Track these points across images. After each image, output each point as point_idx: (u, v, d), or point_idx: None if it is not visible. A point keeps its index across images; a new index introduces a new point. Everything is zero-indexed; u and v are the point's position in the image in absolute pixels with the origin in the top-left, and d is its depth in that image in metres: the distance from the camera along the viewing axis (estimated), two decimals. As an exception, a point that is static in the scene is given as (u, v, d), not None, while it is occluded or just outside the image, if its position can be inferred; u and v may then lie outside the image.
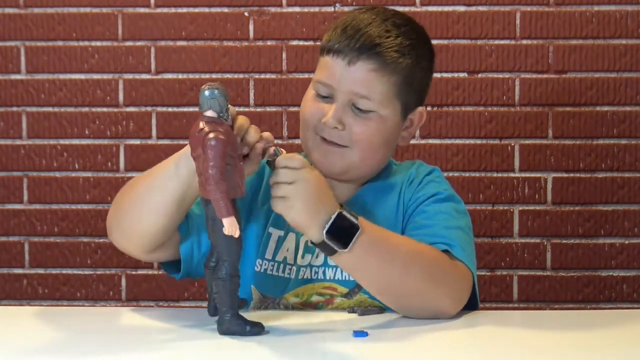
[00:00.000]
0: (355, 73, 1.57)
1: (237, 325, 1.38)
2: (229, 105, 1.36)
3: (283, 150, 1.46)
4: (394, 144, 1.65)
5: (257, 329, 1.38)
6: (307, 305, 1.61)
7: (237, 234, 1.33)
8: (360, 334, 1.39)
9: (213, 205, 1.33)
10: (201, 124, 1.34)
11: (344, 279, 1.58)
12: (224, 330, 1.39)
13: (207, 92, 1.35)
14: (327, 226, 1.41)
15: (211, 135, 1.32)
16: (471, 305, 1.56)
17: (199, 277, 1.60)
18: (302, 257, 1.62)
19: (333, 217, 1.42)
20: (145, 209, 1.50)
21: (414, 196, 1.63)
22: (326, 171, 1.60)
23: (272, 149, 1.45)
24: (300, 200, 1.41)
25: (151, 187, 1.49)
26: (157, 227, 1.51)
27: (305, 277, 1.61)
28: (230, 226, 1.32)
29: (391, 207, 1.64)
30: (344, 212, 1.43)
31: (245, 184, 1.39)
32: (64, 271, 2.64)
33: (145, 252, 1.56)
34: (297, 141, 2.57)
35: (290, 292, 1.61)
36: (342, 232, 1.42)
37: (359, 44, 1.56)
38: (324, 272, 1.61)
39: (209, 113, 1.35)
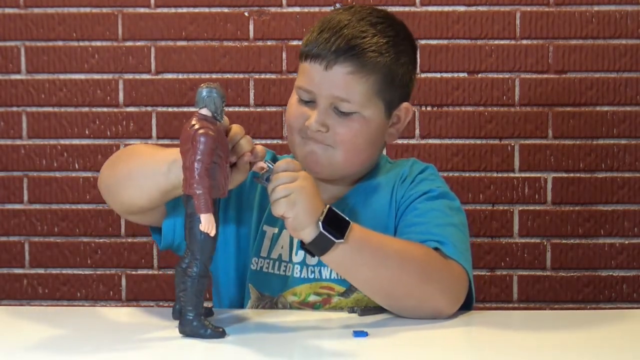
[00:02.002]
0: (333, 77, 1.57)
1: (197, 328, 1.37)
2: (224, 109, 1.36)
3: (271, 166, 1.45)
4: (381, 142, 1.65)
5: (217, 333, 1.37)
6: (304, 305, 1.61)
7: (213, 232, 1.33)
8: (360, 334, 1.39)
9: (194, 200, 1.33)
10: (194, 121, 1.35)
11: (340, 278, 1.59)
12: (186, 332, 1.37)
13: (204, 91, 1.35)
14: (322, 217, 1.42)
15: (201, 131, 1.33)
16: (466, 305, 1.55)
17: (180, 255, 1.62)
18: (296, 254, 1.62)
19: (325, 210, 1.43)
20: (131, 187, 1.52)
21: (407, 194, 1.63)
22: (312, 171, 1.59)
23: (262, 163, 1.44)
24: (304, 195, 1.42)
25: (142, 171, 1.50)
26: (139, 204, 1.53)
27: (302, 276, 1.61)
28: (207, 223, 1.33)
29: (383, 205, 1.64)
30: (333, 208, 1.45)
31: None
32: (64, 271, 2.64)
33: (126, 215, 1.62)
34: (297, 141, 2.57)
35: (288, 291, 1.62)
36: (336, 224, 1.43)
37: (335, 47, 1.56)
38: (320, 272, 1.61)
39: (204, 111, 1.35)
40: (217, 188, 1.35)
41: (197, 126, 1.33)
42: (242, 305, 1.66)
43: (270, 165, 1.44)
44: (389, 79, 1.60)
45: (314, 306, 1.61)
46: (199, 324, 1.37)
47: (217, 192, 1.36)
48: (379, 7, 1.68)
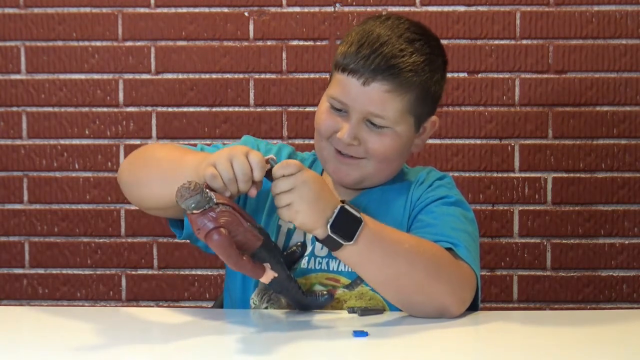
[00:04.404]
0: (370, 93, 1.58)
1: (314, 300, 1.57)
2: (207, 191, 1.38)
3: (275, 159, 1.47)
4: (408, 153, 1.68)
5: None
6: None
7: (274, 275, 1.45)
8: (360, 334, 1.39)
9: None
10: (198, 222, 1.37)
11: (346, 270, 1.61)
12: (312, 307, 1.58)
13: (182, 204, 1.37)
14: (331, 220, 1.44)
15: (214, 237, 1.36)
16: (472, 308, 1.56)
17: (198, 246, 1.67)
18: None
19: (336, 211, 1.45)
20: (153, 188, 1.56)
21: (423, 196, 1.65)
22: (341, 181, 1.64)
23: (265, 159, 1.47)
24: (304, 204, 1.44)
25: (167, 176, 1.54)
26: (160, 204, 1.58)
27: (309, 267, 1.63)
28: (268, 278, 1.45)
29: (398, 207, 1.66)
30: (347, 206, 1.46)
31: None
32: (64, 271, 2.64)
33: (145, 210, 1.65)
34: (297, 141, 2.58)
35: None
36: (346, 226, 1.45)
37: (374, 65, 1.58)
38: (327, 263, 1.62)
39: (196, 211, 1.37)
40: (250, 242, 1.42)
41: (203, 229, 1.37)
42: (244, 296, 1.66)
43: (272, 163, 1.46)
44: (423, 96, 1.62)
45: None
46: (309, 299, 1.56)
47: (253, 244, 1.43)
48: (415, 21, 1.68)
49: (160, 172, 1.56)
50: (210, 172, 1.43)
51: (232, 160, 1.44)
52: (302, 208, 1.43)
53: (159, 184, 1.55)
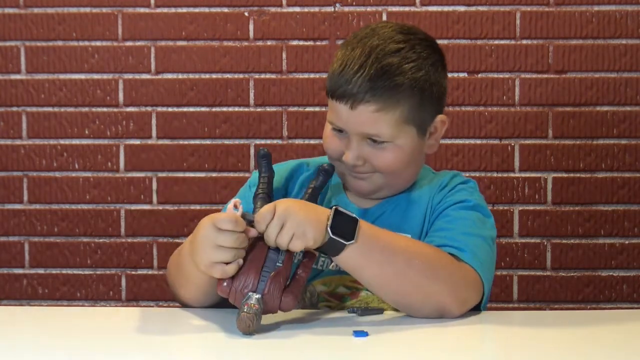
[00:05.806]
0: (360, 116, 1.57)
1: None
2: (251, 300, 1.41)
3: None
4: (420, 158, 1.67)
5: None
6: (333, 296, 1.63)
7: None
8: (360, 334, 1.39)
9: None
10: (268, 308, 1.43)
11: None
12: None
13: (255, 327, 1.40)
14: (329, 222, 1.44)
15: (286, 305, 1.43)
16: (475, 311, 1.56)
17: None
18: None
19: (331, 214, 1.45)
20: (184, 286, 1.57)
21: (444, 200, 1.65)
22: (359, 193, 1.65)
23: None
24: (303, 224, 1.43)
25: (181, 271, 1.55)
26: (200, 298, 1.57)
27: (337, 268, 1.62)
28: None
29: (419, 213, 1.65)
30: (340, 208, 1.46)
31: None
32: (64, 271, 2.64)
33: (207, 304, 1.61)
34: (297, 141, 2.58)
35: (319, 280, 1.64)
36: (344, 226, 1.45)
37: (356, 89, 1.56)
38: None
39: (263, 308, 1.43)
40: (292, 268, 1.46)
41: (275, 310, 1.44)
42: None
43: (249, 218, 1.45)
44: (418, 103, 1.60)
45: (342, 298, 1.63)
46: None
47: (291, 265, 1.45)
48: (400, 24, 1.64)
49: (176, 266, 1.58)
50: (218, 270, 1.42)
51: (219, 244, 1.42)
52: (305, 228, 1.43)
53: (182, 278, 1.56)
